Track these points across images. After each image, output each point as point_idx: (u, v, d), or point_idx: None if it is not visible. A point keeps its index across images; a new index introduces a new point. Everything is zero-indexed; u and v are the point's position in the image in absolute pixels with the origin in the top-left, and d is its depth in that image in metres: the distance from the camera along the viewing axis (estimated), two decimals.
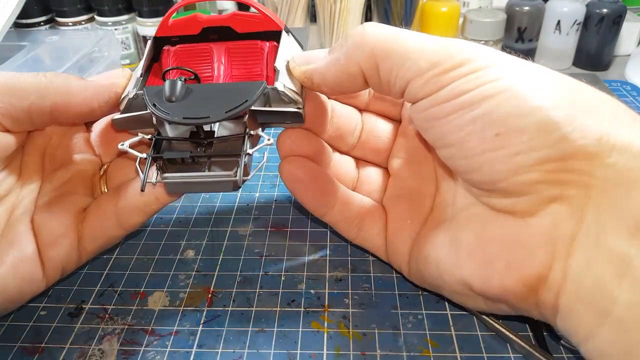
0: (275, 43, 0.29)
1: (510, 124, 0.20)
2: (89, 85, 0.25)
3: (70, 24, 0.58)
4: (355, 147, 0.30)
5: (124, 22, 0.58)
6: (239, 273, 0.30)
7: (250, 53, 0.29)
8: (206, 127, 0.26)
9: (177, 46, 0.29)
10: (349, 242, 0.32)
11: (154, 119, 0.25)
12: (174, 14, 0.29)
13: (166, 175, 0.25)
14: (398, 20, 0.55)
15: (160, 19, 0.56)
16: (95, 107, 0.26)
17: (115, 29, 0.58)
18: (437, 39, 0.22)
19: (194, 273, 0.31)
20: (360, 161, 0.31)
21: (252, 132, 0.25)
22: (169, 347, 0.26)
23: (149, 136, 0.26)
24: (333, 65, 0.24)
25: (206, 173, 0.25)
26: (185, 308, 0.28)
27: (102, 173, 0.30)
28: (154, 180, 0.25)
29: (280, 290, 0.29)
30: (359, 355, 0.25)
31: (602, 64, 0.57)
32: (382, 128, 0.30)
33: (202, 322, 0.27)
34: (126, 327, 0.27)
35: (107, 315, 0.28)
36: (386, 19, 0.56)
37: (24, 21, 0.57)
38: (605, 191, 0.19)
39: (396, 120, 0.31)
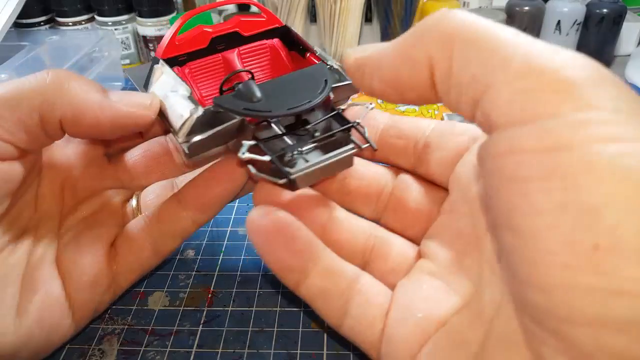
0: (278, 39, 0.29)
1: (624, 235, 0.12)
2: (107, 107, 0.22)
3: (70, 24, 0.58)
4: (381, 213, 0.25)
5: (124, 22, 0.58)
6: (239, 273, 0.30)
7: (262, 53, 0.29)
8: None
9: (188, 65, 0.28)
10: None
11: (250, 124, 0.23)
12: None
13: (294, 170, 0.22)
14: (398, 21, 0.55)
15: (160, 19, 0.56)
16: (106, 131, 0.23)
17: (115, 29, 0.58)
18: (542, 43, 0.15)
19: (194, 273, 0.31)
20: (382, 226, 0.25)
21: (342, 108, 0.25)
22: (169, 347, 0.26)
23: (253, 142, 0.23)
24: (393, 48, 0.18)
25: (327, 155, 0.23)
26: (185, 308, 0.28)
27: (135, 204, 0.28)
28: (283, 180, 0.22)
29: (280, 290, 0.29)
30: (359, 355, 0.25)
31: (602, 64, 0.57)
32: (418, 195, 0.24)
33: (202, 322, 0.27)
34: (126, 327, 0.27)
35: (107, 315, 0.28)
36: (386, 19, 0.56)
37: (24, 21, 0.57)
38: None
39: (442, 188, 0.24)
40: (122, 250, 0.26)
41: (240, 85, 0.23)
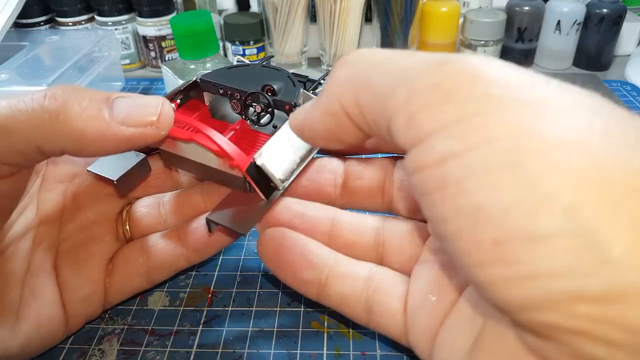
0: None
1: (516, 228, 0.13)
2: (110, 135, 0.20)
3: (70, 24, 0.58)
4: (390, 204, 0.25)
5: (124, 22, 0.58)
6: (239, 273, 0.30)
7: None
8: None
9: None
10: None
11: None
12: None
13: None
14: (398, 20, 0.55)
15: (160, 19, 0.56)
16: (113, 152, 0.22)
17: (115, 29, 0.58)
18: (432, 56, 0.16)
19: (194, 273, 0.31)
20: (387, 217, 0.25)
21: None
22: (169, 347, 0.26)
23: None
24: (315, 108, 0.19)
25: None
26: (185, 308, 0.28)
27: (125, 213, 0.28)
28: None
29: (280, 290, 0.29)
30: (359, 355, 0.25)
31: (602, 64, 0.57)
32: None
33: (202, 322, 0.27)
34: (126, 327, 0.27)
35: (107, 315, 0.28)
36: (386, 19, 0.56)
37: (24, 21, 0.57)
38: None
39: None
40: (117, 272, 0.27)
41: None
